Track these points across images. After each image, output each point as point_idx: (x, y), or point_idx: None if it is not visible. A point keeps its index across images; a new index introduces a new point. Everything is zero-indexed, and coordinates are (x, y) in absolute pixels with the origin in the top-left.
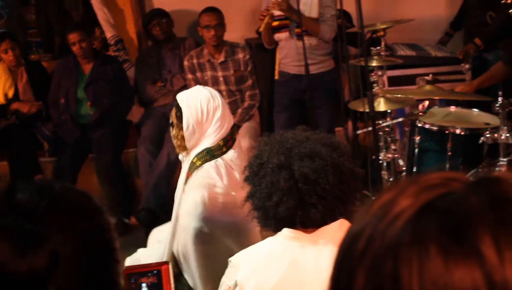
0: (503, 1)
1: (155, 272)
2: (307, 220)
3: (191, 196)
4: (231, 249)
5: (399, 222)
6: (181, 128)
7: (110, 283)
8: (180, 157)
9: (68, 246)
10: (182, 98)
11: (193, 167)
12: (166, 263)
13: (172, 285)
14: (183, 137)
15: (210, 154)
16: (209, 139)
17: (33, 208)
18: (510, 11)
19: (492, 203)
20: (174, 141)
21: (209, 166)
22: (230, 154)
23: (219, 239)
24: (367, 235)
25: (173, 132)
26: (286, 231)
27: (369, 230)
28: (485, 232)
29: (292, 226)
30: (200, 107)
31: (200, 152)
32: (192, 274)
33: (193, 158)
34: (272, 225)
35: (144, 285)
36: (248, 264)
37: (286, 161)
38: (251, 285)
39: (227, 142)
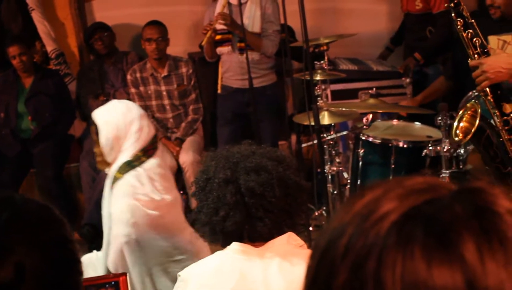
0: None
1: (113, 283)
2: (255, 234)
3: (117, 205)
4: (163, 250)
5: (384, 224)
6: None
7: None
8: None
9: (33, 258)
10: (98, 114)
11: (115, 181)
12: (123, 274)
13: None
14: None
15: (130, 165)
16: (128, 152)
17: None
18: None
19: (476, 212)
20: (97, 158)
21: (129, 176)
22: (150, 163)
23: (150, 241)
24: (350, 233)
25: (95, 149)
26: (234, 245)
27: (352, 229)
28: (469, 239)
29: (240, 240)
30: (116, 122)
31: (121, 166)
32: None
33: (115, 173)
34: (219, 240)
35: None
36: (198, 278)
37: (232, 175)
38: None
39: (147, 152)
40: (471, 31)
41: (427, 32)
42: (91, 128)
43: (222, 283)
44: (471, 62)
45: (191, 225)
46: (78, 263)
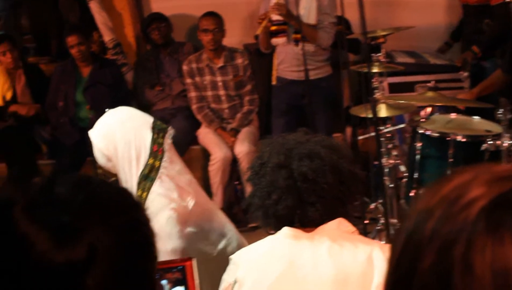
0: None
1: (179, 268)
2: (306, 219)
3: (157, 224)
4: (207, 252)
5: (473, 209)
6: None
7: (147, 278)
8: None
9: (106, 240)
10: (91, 132)
11: (141, 201)
12: (190, 259)
13: (197, 281)
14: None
15: (148, 179)
16: (132, 166)
17: (71, 201)
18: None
19: None
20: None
21: (155, 189)
22: (165, 165)
23: (194, 249)
24: (437, 217)
25: (99, 171)
26: (285, 230)
27: (439, 212)
28: None
29: (291, 225)
30: (101, 135)
31: (139, 183)
32: None
33: (137, 192)
34: (272, 224)
35: (165, 282)
36: (248, 262)
37: (286, 160)
38: (249, 282)
39: (156, 155)
40: None
41: (484, 24)
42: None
43: (271, 267)
44: None
45: (244, 210)
46: (152, 247)
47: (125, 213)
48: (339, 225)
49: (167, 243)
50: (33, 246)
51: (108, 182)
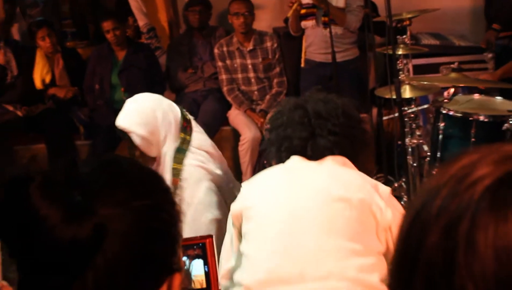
0: None
1: (200, 245)
2: (317, 150)
3: (198, 193)
4: None
5: (479, 187)
6: (136, 147)
7: (162, 262)
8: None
9: (121, 222)
10: (122, 121)
11: (177, 173)
12: (210, 236)
13: (216, 257)
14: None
15: (181, 152)
16: (170, 140)
17: (91, 181)
18: None
19: None
20: (140, 160)
21: (189, 161)
22: (196, 138)
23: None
24: (444, 195)
25: (136, 153)
26: (294, 157)
27: (446, 191)
28: None
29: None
30: (142, 121)
31: (174, 157)
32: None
33: (172, 165)
34: (284, 158)
35: (185, 258)
36: (255, 179)
37: (302, 103)
38: (251, 191)
39: (186, 130)
40: None
41: (505, 3)
42: (124, 145)
43: (272, 177)
44: None
45: (259, 155)
46: (172, 233)
47: (148, 197)
48: (345, 162)
49: (207, 213)
50: (43, 221)
51: (140, 165)
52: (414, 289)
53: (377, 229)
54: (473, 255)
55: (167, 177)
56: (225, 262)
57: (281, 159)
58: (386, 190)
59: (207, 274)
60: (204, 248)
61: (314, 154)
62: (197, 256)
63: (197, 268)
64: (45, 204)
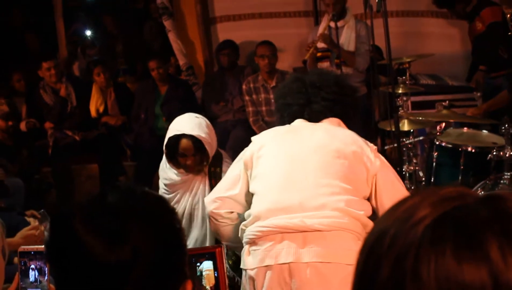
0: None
1: (211, 253)
2: (313, 114)
3: None
4: None
5: (420, 226)
6: (207, 159)
7: (179, 272)
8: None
9: (147, 243)
10: (203, 139)
11: (215, 174)
12: (220, 246)
13: (225, 265)
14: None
15: (217, 158)
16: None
17: (119, 209)
18: None
19: (499, 216)
20: (199, 171)
21: (226, 164)
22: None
23: None
24: (392, 234)
25: (202, 166)
26: (297, 120)
27: (394, 230)
28: (493, 240)
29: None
30: (212, 137)
31: (212, 162)
32: None
33: (210, 169)
34: (286, 122)
35: (198, 263)
36: (263, 132)
37: (301, 76)
38: (260, 140)
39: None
40: None
41: (488, 45)
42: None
43: (278, 129)
44: None
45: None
46: (184, 247)
47: (162, 218)
48: (339, 123)
49: None
50: (90, 251)
51: (149, 191)
52: None
53: (367, 176)
54: (419, 285)
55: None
56: (222, 189)
57: (284, 123)
58: (373, 145)
59: (216, 279)
60: (214, 256)
61: (310, 117)
62: (207, 260)
63: (206, 266)
64: (90, 237)
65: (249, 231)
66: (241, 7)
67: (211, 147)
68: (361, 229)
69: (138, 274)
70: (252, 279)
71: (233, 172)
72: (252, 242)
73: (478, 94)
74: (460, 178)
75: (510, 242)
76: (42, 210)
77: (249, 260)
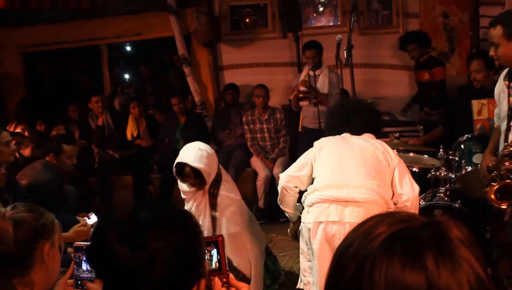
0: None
1: (214, 241)
2: (352, 131)
3: (235, 203)
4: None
5: (377, 240)
6: (205, 183)
7: (194, 274)
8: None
9: (165, 251)
10: (201, 170)
11: (213, 195)
12: (220, 235)
13: (225, 254)
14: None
15: (217, 180)
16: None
17: (147, 223)
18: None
19: (436, 237)
20: (200, 189)
21: (223, 194)
22: (223, 172)
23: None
24: (356, 246)
25: (202, 186)
26: (344, 133)
27: (357, 243)
28: (430, 254)
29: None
30: (212, 164)
31: (212, 184)
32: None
33: (209, 190)
34: (332, 134)
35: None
36: (322, 139)
37: (342, 102)
38: (320, 144)
39: (220, 170)
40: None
41: (433, 93)
42: (189, 180)
43: (331, 138)
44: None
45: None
46: (202, 254)
47: (183, 232)
48: (372, 136)
49: (235, 228)
50: (118, 255)
51: (176, 207)
52: None
53: (390, 169)
54: (373, 284)
55: (202, 200)
56: (294, 170)
57: (333, 134)
58: (396, 152)
59: (219, 261)
60: (217, 245)
61: (351, 133)
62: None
63: (214, 255)
64: (118, 245)
65: (310, 197)
66: (242, 59)
67: (209, 174)
68: (385, 204)
69: (154, 276)
70: (309, 230)
71: (303, 161)
72: (311, 205)
73: (421, 127)
74: None
75: (443, 257)
76: (90, 212)
77: (308, 217)
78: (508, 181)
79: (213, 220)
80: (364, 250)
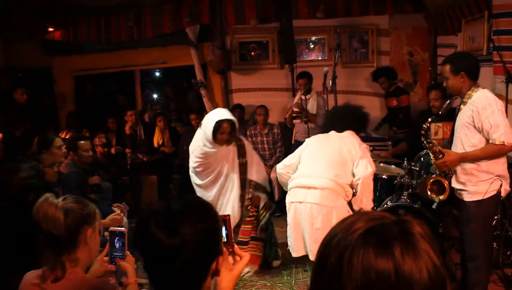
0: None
1: (223, 220)
2: (338, 129)
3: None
4: None
5: (356, 234)
6: (234, 135)
7: (215, 253)
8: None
9: (194, 237)
10: (235, 122)
11: (242, 146)
12: (228, 215)
13: (231, 232)
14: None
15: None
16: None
17: (179, 213)
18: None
19: (403, 232)
20: (230, 143)
21: (244, 140)
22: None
23: None
24: (338, 238)
25: (232, 139)
26: (331, 131)
27: (340, 236)
28: (397, 245)
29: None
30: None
31: (236, 139)
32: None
33: (237, 143)
34: (323, 132)
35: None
36: (313, 136)
37: (335, 109)
38: (309, 140)
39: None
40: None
41: (400, 116)
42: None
43: (318, 136)
44: (438, 161)
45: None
46: (220, 237)
47: (207, 221)
48: (352, 133)
49: (259, 163)
50: (157, 240)
51: (200, 199)
52: (322, 284)
53: (352, 161)
54: (351, 269)
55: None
56: (287, 160)
57: (323, 132)
58: (364, 145)
59: (227, 235)
60: (226, 223)
61: (338, 131)
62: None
63: (223, 230)
64: (158, 232)
65: (290, 184)
66: (247, 84)
67: (237, 127)
68: (341, 189)
69: (184, 255)
70: (287, 208)
71: (294, 154)
72: (290, 189)
73: (390, 143)
74: (377, 194)
75: (407, 248)
76: (123, 203)
77: (287, 198)
78: (441, 178)
79: (243, 165)
80: (345, 241)
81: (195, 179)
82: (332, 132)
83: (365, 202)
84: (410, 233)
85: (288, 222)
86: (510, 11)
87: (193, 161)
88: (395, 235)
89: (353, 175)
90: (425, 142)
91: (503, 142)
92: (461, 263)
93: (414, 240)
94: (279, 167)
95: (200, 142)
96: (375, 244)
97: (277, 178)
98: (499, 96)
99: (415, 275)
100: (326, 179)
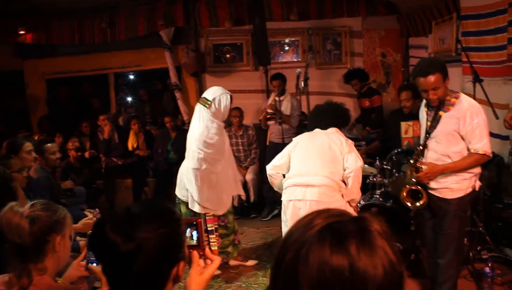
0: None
1: (194, 223)
2: (323, 127)
3: None
4: None
5: (313, 230)
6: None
7: (175, 259)
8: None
9: (150, 241)
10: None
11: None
12: (199, 217)
13: (203, 234)
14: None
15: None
16: None
17: (137, 217)
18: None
19: (359, 230)
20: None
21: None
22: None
23: None
24: (297, 233)
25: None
26: (316, 129)
27: (299, 232)
28: (353, 242)
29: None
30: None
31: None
32: None
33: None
34: (310, 129)
35: (188, 229)
36: (300, 135)
37: (317, 108)
38: (297, 139)
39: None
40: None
41: (372, 116)
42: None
43: (306, 134)
44: (419, 174)
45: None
46: (182, 243)
47: (168, 225)
48: (337, 130)
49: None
50: (113, 243)
51: (165, 204)
52: (279, 281)
53: (342, 156)
54: (307, 265)
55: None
56: (276, 161)
57: (310, 129)
58: (349, 141)
59: (198, 239)
60: (197, 226)
61: (322, 128)
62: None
63: (194, 234)
64: (113, 236)
65: (285, 183)
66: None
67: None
68: (336, 185)
69: (141, 261)
70: (285, 206)
71: (283, 152)
72: (286, 188)
73: (363, 142)
74: None
75: (363, 245)
76: (95, 209)
77: (283, 197)
78: (415, 187)
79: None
80: (303, 237)
81: (212, 156)
82: (317, 130)
83: (356, 193)
84: (367, 230)
85: (285, 219)
86: (477, 13)
87: (209, 138)
88: (351, 232)
89: (344, 169)
90: (412, 161)
91: (485, 152)
92: (429, 260)
93: (371, 237)
94: (269, 168)
95: (208, 122)
96: (331, 240)
97: (252, 179)
98: (468, 94)
99: (369, 271)
100: (322, 176)
